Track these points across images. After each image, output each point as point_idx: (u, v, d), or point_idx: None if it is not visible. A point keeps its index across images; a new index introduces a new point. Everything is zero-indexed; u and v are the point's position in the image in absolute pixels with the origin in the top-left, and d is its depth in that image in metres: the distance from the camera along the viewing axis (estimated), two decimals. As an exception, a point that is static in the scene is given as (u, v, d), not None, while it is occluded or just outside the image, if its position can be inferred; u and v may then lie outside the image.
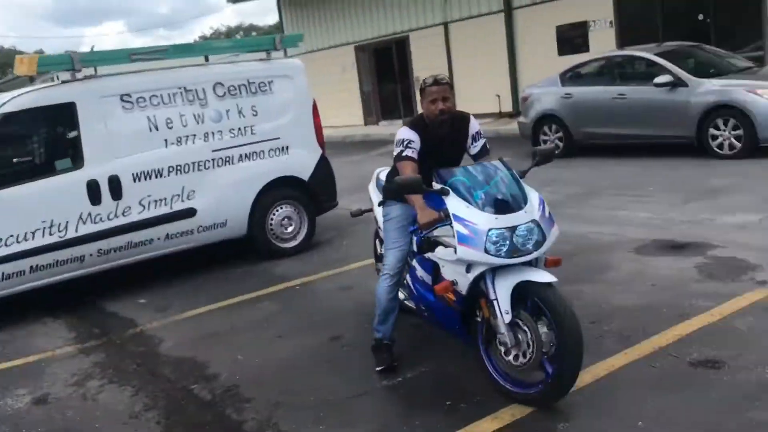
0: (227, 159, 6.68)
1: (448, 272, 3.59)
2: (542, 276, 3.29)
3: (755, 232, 5.80)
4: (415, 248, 3.99)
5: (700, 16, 13.05)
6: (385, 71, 20.11)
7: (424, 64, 18.29)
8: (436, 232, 3.58)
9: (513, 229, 3.29)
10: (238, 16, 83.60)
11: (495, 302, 3.32)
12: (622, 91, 9.82)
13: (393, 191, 3.92)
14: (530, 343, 3.27)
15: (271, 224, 6.98)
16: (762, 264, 4.98)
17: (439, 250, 3.60)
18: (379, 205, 4.27)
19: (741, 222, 6.10)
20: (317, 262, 6.74)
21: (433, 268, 3.77)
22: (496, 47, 16.35)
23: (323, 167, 7.31)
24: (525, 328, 3.30)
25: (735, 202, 6.78)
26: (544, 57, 15.10)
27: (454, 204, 3.42)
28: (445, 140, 3.86)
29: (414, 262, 3.99)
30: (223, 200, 6.64)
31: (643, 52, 10.03)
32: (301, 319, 5.23)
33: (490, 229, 3.26)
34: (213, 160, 6.61)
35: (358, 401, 3.77)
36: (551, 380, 3.28)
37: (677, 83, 9.13)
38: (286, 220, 7.07)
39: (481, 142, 3.99)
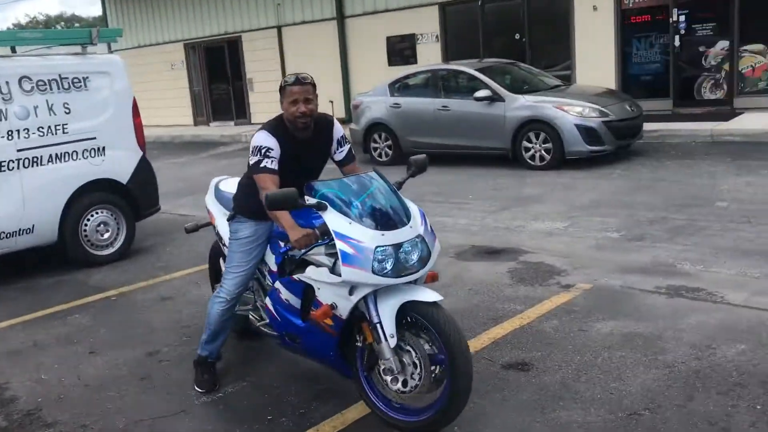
0: (35, 160, 6.14)
1: (325, 295, 3.20)
2: (427, 295, 3.09)
3: (561, 238, 6.27)
4: (273, 268, 3.62)
5: (517, 35, 13.96)
6: (217, 71, 19.58)
7: (257, 66, 18.04)
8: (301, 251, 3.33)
9: (399, 246, 3.05)
10: (61, 4, 77.66)
11: (378, 326, 3.05)
12: (446, 104, 10.28)
13: (245, 208, 3.60)
14: (416, 363, 3.07)
15: (85, 230, 6.51)
16: (567, 269, 5.39)
17: (311, 270, 3.26)
18: (229, 220, 3.80)
19: (549, 229, 6.57)
20: (136, 270, 6.38)
21: (304, 291, 3.35)
22: (329, 53, 16.49)
23: (144, 170, 6.94)
24: (408, 347, 3.09)
25: (544, 210, 7.30)
26: (376, 66, 15.45)
27: (334, 220, 3.07)
28: (307, 146, 3.50)
29: (277, 284, 3.52)
30: (29, 204, 6.10)
31: (465, 67, 10.55)
32: (115, 332, 4.91)
33: (377, 247, 2.99)
34: (18, 160, 6.05)
35: (173, 420, 3.59)
36: (445, 401, 3.07)
37: (495, 98, 9.70)
38: (102, 225, 6.63)
39: (346, 147, 3.69)
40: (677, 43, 12.02)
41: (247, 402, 3.72)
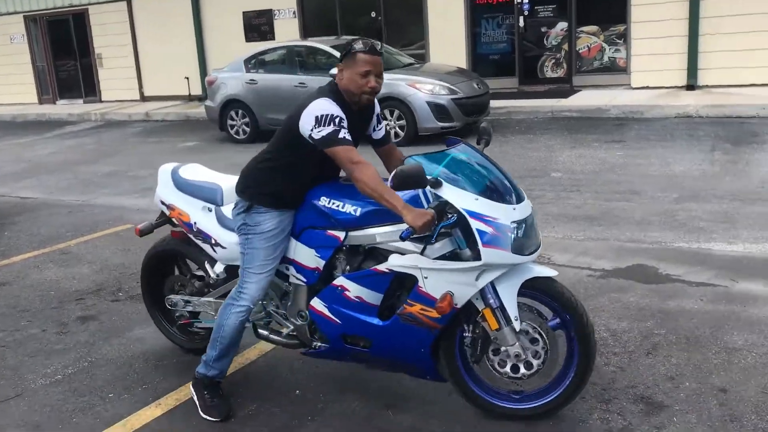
0: None
1: (435, 284, 2.78)
2: (544, 270, 2.86)
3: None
4: (312, 265, 3.09)
5: (373, 14, 14.18)
6: (63, 46, 18.42)
7: (107, 41, 17.18)
8: (367, 238, 2.94)
9: (524, 220, 2.78)
10: None
11: (498, 310, 2.82)
12: (303, 80, 10.31)
13: (268, 196, 3.06)
14: (544, 346, 2.86)
15: None
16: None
17: (409, 258, 2.82)
18: (244, 211, 3.12)
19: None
20: (-30, 256, 6.01)
21: (391, 284, 2.92)
22: (183, 28, 15.96)
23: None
24: (530, 330, 2.87)
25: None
26: (232, 41, 15.14)
27: (457, 197, 2.70)
28: (353, 123, 2.97)
29: (341, 281, 2.99)
30: None
31: (322, 44, 10.62)
32: (-55, 321, 4.64)
33: (512, 223, 2.71)
34: None
35: (6, 406, 3.48)
36: (572, 379, 2.91)
37: (350, 75, 9.83)
38: (-71, 210, 6.16)
39: (383, 125, 3.27)
40: (521, 23, 12.68)
41: (89, 381, 3.66)
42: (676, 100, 10.53)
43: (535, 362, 2.87)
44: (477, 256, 2.71)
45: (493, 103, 10.71)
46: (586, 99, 11.32)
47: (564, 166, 7.80)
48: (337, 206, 2.99)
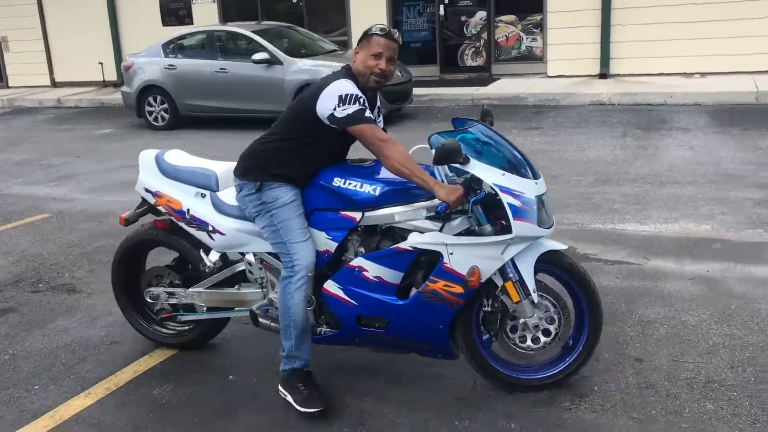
0: None
1: (461, 259, 2.82)
2: (557, 244, 2.97)
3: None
4: (321, 248, 3.04)
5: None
6: (-37, 28, 17.40)
7: (12, 23, 16.33)
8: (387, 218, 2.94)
9: (543, 195, 2.87)
10: None
11: (517, 283, 2.91)
12: (224, 66, 10.15)
13: (278, 174, 3.02)
14: (560, 316, 3.01)
15: None
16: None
17: (431, 236, 2.86)
18: (257, 191, 3.05)
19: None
20: None
21: (412, 262, 2.94)
22: (96, 10, 15.36)
23: None
24: (546, 302, 3.00)
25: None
26: (148, 26, 14.71)
27: (485, 173, 2.77)
28: None
29: (359, 261, 2.96)
30: None
31: (242, 29, 10.46)
32: None
33: (536, 197, 2.80)
34: None
35: (-74, 401, 3.35)
36: (582, 349, 3.07)
37: (273, 61, 9.76)
38: None
39: (381, 117, 3.25)
40: (442, 12, 12.86)
41: (11, 373, 3.55)
42: (590, 88, 10.95)
43: (552, 329, 3.01)
44: (501, 231, 2.81)
45: (416, 91, 10.84)
46: (504, 87, 11.62)
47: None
48: (355, 186, 2.96)
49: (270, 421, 3.04)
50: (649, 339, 3.53)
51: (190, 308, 3.49)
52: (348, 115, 2.83)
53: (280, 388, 3.13)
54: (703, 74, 11.09)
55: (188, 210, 3.31)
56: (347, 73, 2.98)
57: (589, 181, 6.53)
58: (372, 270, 2.95)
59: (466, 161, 2.75)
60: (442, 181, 2.87)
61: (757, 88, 9.81)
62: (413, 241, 2.88)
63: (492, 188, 2.77)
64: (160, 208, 3.42)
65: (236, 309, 3.40)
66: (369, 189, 2.94)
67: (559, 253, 2.98)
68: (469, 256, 2.83)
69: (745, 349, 3.36)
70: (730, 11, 10.77)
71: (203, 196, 3.30)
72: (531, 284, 2.92)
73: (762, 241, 4.77)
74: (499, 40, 12.74)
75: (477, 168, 2.78)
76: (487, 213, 2.85)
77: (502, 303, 2.97)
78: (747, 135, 7.78)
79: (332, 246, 3.02)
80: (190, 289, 3.42)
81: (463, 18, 12.91)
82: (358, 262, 2.97)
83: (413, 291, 2.96)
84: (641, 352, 3.40)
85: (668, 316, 3.75)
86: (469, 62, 13.02)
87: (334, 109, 2.84)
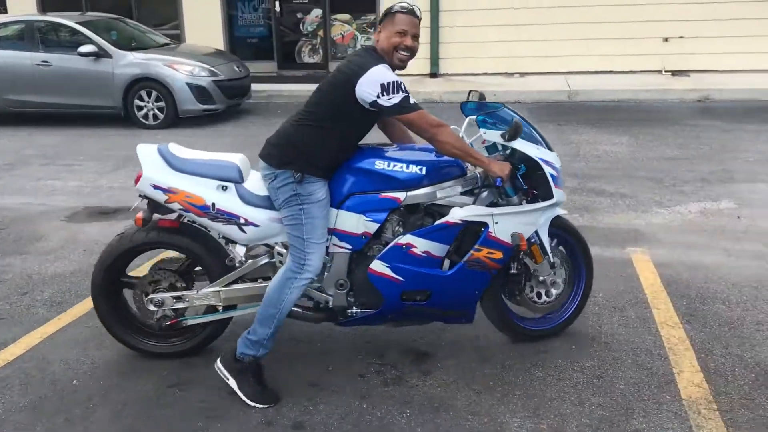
0: None
1: (504, 227, 3.11)
2: (560, 210, 3.40)
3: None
4: (359, 231, 3.08)
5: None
6: None
7: None
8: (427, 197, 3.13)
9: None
10: None
11: (539, 246, 3.32)
12: (46, 58, 9.50)
13: (318, 166, 2.98)
14: (567, 270, 3.49)
15: None
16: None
17: (463, 210, 3.08)
18: (296, 182, 2.96)
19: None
20: None
21: (458, 235, 3.14)
22: None
23: None
24: (556, 261, 3.43)
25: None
26: (-47, 13, 13.40)
27: (527, 147, 3.14)
28: None
29: (408, 239, 3.07)
30: None
31: (65, 20, 9.84)
32: None
33: (560, 167, 3.29)
34: None
35: None
36: (581, 295, 3.58)
37: (101, 54, 9.29)
38: None
39: None
40: (278, 8, 12.85)
41: None
42: (422, 86, 11.45)
43: (560, 281, 3.46)
44: (532, 199, 3.23)
45: (254, 87, 10.77)
46: (342, 84, 11.81)
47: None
48: (400, 167, 3.07)
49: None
50: (484, 318, 3.82)
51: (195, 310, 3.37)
52: (395, 104, 2.88)
53: (222, 368, 3.11)
54: (522, 74, 11.97)
55: (213, 204, 3.13)
56: (377, 56, 2.97)
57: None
58: (420, 246, 3.09)
59: (512, 138, 3.08)
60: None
61: (569, 87, 10.77)
62: (461, 214, 3.09)
63: (536, 160, 3.14)
64: (174, 204, 3.16)
65: (255, 304, 3.22)
66: (415, 169, 3.08)
67: (559, 217, 3.41)
68: (511, 224, 3.14)
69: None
70: (546, 16, 11.71)
71: (225, 188, 3.14)
72: (547, 245, 3.34)
73: (577, 225, 5.28)
74: (335, 38, 12.95)
75: (521, 144, 3.12)
76: (514, 186, 3.20)
77: (525, 265, 3.36)
78: (561, 130, 8.53)
79: (372, 228, 3.10)
80: (204, 290, 3.25)
81: (299, 15, 12.97)
82: (407, 239, 3.09)
83: (446, 261, 3.20)
84: (479, 330, 3.68)
85: (501, 296, 4.08)
86: (307, 59, 13.13)
87: (378, 98, 2.87)
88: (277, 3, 12.82)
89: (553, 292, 3.46)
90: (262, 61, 13.01)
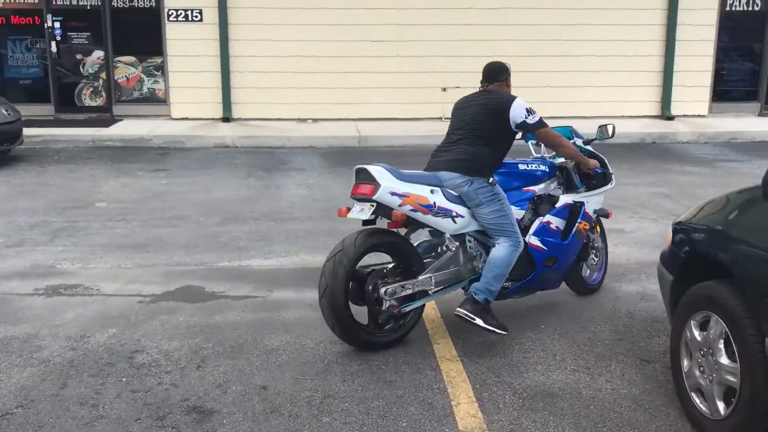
0: None
1: (591, 206, 4.58)
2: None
3: (-71, 252, 5.70)
4: (530, 210, 4.38)
5: None
6: None
7: None
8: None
9: None
10: None
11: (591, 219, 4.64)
12: None
13: (493, 171, 4.16)
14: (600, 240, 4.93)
15: None
16: (-66, 284, 4.95)
17: (568, 197, 4.47)
18: (490, 184, 4.02)
19: None
20: None
21: (570, 212, 4.43)
22: None
23: None
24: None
25: None
26: None
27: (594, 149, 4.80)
28: None
29: (548, 218, 4.29)
30: None
31: None
32: None
33: None
34: None
35: None
36: (605, 261, 4.99)
37: None
38: None
39: None
40: (54, 49, 12.04)
41: None
42: (214, 131, 11.27)
43: (601, 246, 4.92)
44: (593, 186, 4.64)
45: (27, 131, 9.94)
46: (127, 128, 11.31)
47: (109, 195, 7.70)
48: (534, 167, 4.42)
49: None
50: (273, 366, 3.77)
51: (409, 299, 3.92)
52: (537, 122, 4.05)
53: (467, 312, 3.86)
54: (315, 120, 12.22)
55: (435, 203, 3.91)
56: (509, 93, 4.22)
57: (216, 220, 6.72)
58: (554, 222, 4.30)
59: (587, 142, 4.74)
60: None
61: (359, 133, 11.18)
62: (570, 198, 4.46)
63: (601, 157, 4.66)
64: (406, 207, 3.82)
65: (454, 285, 4.11)
66: (543, 168, 4.45)
67: None
68: (593, 203, 4.58)
69: (354, 362, 3.81)
70: (334, 65, 12.09)
71: (433, 191, 3.93)
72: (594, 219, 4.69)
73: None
74: (119, 81, 12.36)
75: (591, 146, 4.73)
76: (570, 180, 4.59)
77: (588, 235, 4.65)
78: (353, 174, 8.78)
79: (520, 214, 4.25)
80: (421, 277, 3.92)
81: (78, 56, 12.24)
82: (548, 218, 4.29)
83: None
84: (266, 380, 3.61)
85: (290, 342, 4.05)
86: (89, 102, 12.37)
87: (526, 118, 4.01)
88: (53, 43, 12.01)
89: (600, 255, 4.83)
90: (37, 104, 12.09)
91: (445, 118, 12.38)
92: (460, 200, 3.99)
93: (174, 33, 11.97)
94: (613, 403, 3.38)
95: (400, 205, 3.81)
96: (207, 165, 9.44)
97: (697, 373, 3.10)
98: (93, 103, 12.37)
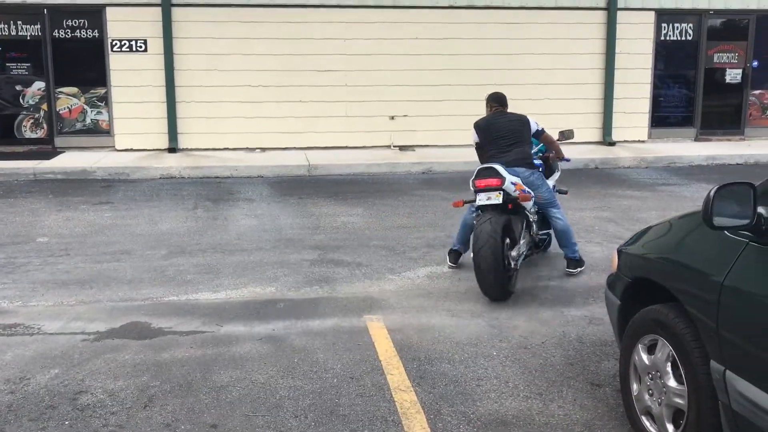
0: None
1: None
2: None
3: None
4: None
5: None
6: None
7: None
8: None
9: None
10: None
11: None
12: None
13: None
14: None
15: None
16: None
17: (550, 181, 6.25)
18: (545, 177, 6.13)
19: None
20: None
21: None
22: None
23: None
24: None
25: None
26: None
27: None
28: None
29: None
30: None
31: None
32: None
33: None
34: None
35: None
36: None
37: None
38: None
39: None
40: (-7, 79, 11.73)
41: None
42: (160, 162, 11.09)
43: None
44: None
45: (-37, 165, 9.61)
46: (70, 161, 11.04)
47: (51, 230, 7.47)
48: (537, 161, 6.08)
49: None
50: (223, 403, 3.68)
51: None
52: (543, 128, 5.96)
53: (571, 270, 5.87)
54: (263, 149, 12.15)
55: (525, 188, 5.46)
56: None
57: (162, 254, 6.58)
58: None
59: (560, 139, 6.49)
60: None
61: (308, 162, 11.15)
62: (553, 181, 6.31)
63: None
64: (517, 192, 5.36)
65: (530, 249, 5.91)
66: (539, 161, 6.14)
67: None
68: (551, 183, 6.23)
69: (306, 397, 3.75)
70: (282, 94, 12.09)
71: (515, 183, 5.43)
72: None
73: (317, 297, 5.39)
74: (61, 112, 12.08)
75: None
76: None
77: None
78: (302, 203, 8.76)
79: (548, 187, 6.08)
80: (522, 242, 5.56)
81: (18, 87, 11.93)
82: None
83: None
84: (216, 418, 3.52)
85: (240, 378, 3.97)
86: (29, 134, 12.04)
87: (538, 127, 5.90)
88: (-8, 74, 11.70)
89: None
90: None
91: (394, 146, 12.61)
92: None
93: (118, 63, 11.79)
94: (565, 429, 3.41)
95: (514, 191, 5.33)
96: (152, 197, 9.27)
97: (647, 396, 3.15)
98: (34, 135, 12.04)
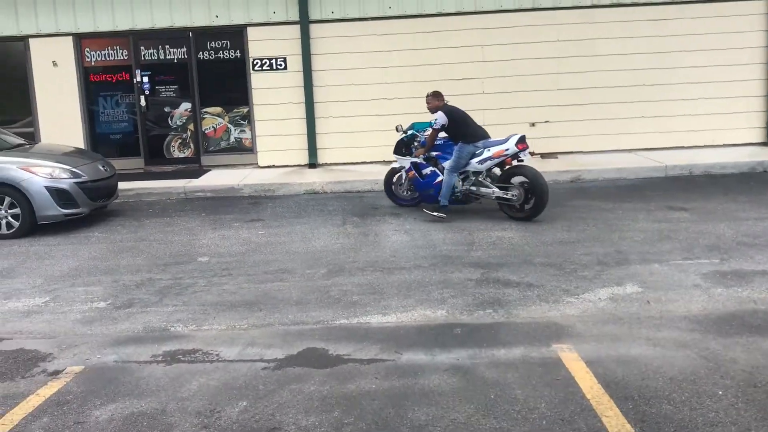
0: None
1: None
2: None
3: (42, 316, 5.60)
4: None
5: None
6: None
7: None
8: None
9: None
10: None
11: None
12: None
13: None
14: None
15: None
16: (53, 352, 4.81)
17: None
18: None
19: (25, 307, 5.81)
20: None
21: None
22: None
23: None
24: None
25: (17, 285, 6.45)
26: None
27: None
28: None
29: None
30: None
31: None
32: None
33: None
34: None
35: None
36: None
37: (-57, 158, 8.29)
38: None
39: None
40: (143, 102, 12.24)
41: None
42: (302, 177, 11.15)
43: None
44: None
45: (120, 185, 10.01)
46: (217, 178, 11.31)
47: (209, 249, 7.56)
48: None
49: None
50: None
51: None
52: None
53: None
54: (401, 161, 11.95)
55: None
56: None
57: (322, 272, 6.46)
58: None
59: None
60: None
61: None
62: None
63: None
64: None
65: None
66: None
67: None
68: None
69: (515, 439, 3.41)
70: (416, 106, 11.82)
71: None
72: None
73: (494, 322, 5.04)
74: (206, 132, 12.45)
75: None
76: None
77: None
78: (450, 217, 8.45)
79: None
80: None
81: (166, 109, 12.41)
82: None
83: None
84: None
85: (438, 416, 3.68)
86: (177, 154, 12.50)
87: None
88: (142, 98, 12.21)
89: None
90: (128, 157, 12.30)
91: (535, 154, 12.12)
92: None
93: (259, 82, 12.00)
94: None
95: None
96: (300, 213, 9.26)
97: None
98: (182, 155, 12.48)
